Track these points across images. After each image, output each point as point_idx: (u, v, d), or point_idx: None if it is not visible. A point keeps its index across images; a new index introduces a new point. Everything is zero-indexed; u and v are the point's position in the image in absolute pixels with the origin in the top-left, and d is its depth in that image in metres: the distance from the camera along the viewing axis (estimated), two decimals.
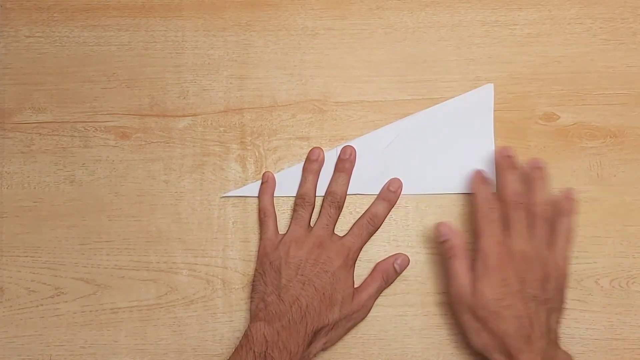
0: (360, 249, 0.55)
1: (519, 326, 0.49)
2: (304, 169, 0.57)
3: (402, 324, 0.56)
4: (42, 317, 0.56)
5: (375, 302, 0.55)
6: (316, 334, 0.51)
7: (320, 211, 0.56)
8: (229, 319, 0.56)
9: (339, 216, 0.56)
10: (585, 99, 0.58)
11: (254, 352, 0.47)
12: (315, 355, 0.52)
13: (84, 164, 0.58)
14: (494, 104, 0.58)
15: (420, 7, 0.60)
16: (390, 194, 0.56)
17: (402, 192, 0.57)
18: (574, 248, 0.56)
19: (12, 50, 0.60)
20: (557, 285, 0.51)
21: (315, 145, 0.58)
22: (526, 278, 0.50)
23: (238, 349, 0.49)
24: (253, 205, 0.57)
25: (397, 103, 0.58)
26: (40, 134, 0.58)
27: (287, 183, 0.57)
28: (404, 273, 0.56)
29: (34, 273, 0.56)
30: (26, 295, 0.56)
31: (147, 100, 0.59)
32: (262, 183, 0.57)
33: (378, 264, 0.55)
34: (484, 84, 0.58)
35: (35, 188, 0.58)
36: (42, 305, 0.56)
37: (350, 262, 0.54)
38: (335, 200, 0.55)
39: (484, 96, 0.58)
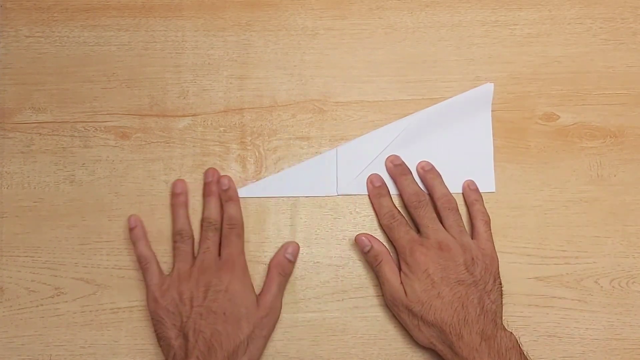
0: (242, 254, 0.55)
1: (452, 312, 0.50)
2: (172, 205, 0.56)
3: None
4: (42, 317, 0.56)
5: (375, 302, 0.55)
6: (232, 356, 0.49)
7: (200, 238, 0.55)
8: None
9: (218, 237, 0.55)
10: (585, 99, 0.58)
11: None
12: None
13: (84, 164, 0.58)
14: (494, 103, 0.58)
15: (420, 7, 0.60)
16: (227, 192, 0.56)
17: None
18: (574, 248, 0.56)
19: (12, 50, 0.60)
20: (484, 266, 0.52)
21: (314, 145, 0.58)
22: (447, 265, 0.52)
23: None
24: (253, 205, 0.57)
25: (397, 103, 0.58)
26: (40, 134, 0.58)
27: (285, 183, 0.57)
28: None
29: (34, 273, 0.56)
30: (26, 295, 0.56)
31: (147, 100, 0.59)
32: (131, 230, 0.55)
33: (270, 261, 0.55)
34: (484, 84, 0.58)
35: (35, 188, 0.58)
36: (42, 305, 0.56)
37: (239, 272, 0.53)
38: (211, 224, 0.55)
39: (484, 95, 0.58)
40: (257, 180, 0.58)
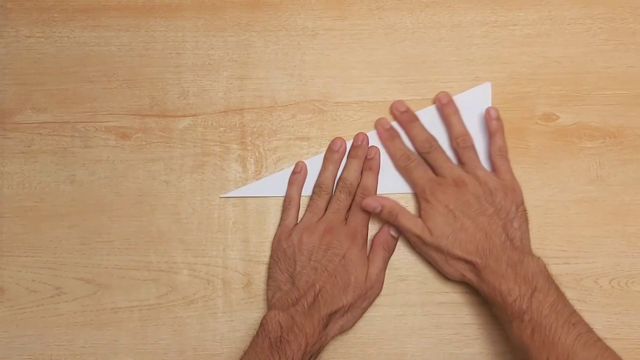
0: (366, 225, 0.56)
1: (477, 242, 0.51)
2: (325, 159, 0.58)
3: (402, 324, 0.56)
4: (42, 317, 0.56)
5: (375, 302, 0.55)
6: (331, 316, 0.51)
7: (332, 197, 0.56)
8: (229, 319, 0.56)
9: (351, 202, 0.56)
10: (584, 99, 0.58)
11: (270, 338, 0.48)
12: (332, 337, 0.53)
13: (84, 164, 0.58)
14: (494, 103, 0.58)
15: (420, 7, 0.60)
16: (370, 162, 0.57)
17: (403, 189, 0.57)
18: (574, 248, 0.56)
19: (12, 50, 0.60)
20: (504, 196, 0.53)
21: (314, 145, 0.58)
22: (467, 199, 0.53)
23: (255, 338, 0.50)
24: (253, 205, 0.57)
25: None
26: (40, 134, 0.58)
27: (285, 183, 0.57)
28: (403, 273, 0.56)
29: (34, 273, 0.56)
30: (26, 295, 0.56)
31: (148, 101, 0.59)
32: (293, 172, 0.57)
33: (375, 237, 0.56)
34: (482, 83, 0.59)
35: (35, 188, 0.58)
36: (42, 305, 0.56)
37: (360, 241, 0.54)
38: (346, 186, 0.56)
39: (483, 94, 0.58)
40: (257, 180, 0.58)
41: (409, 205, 0.57)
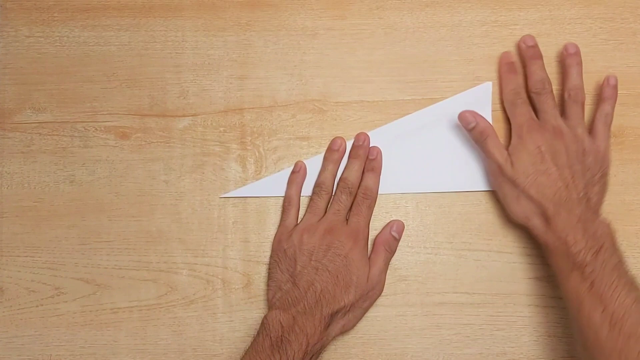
0: (367, 226, 0.55)
1: (555, 190, 0.51)
2: (325, 158, 0.58)
3: (402, 324, 0.56)
4: (42, 317, 0.56)
5: (376, 302, 0.55)
6: (333, 316, 0.51)
7: (332, 197, 0.56)
8: (229, 319, 0.56)
9: (352, 202, 0.56)
10: (585, 99, 0.58)
11: (271, 337, 0.49)
12: (334, 338, 0.53)
13: (84, 164, 0.58)
14: (494, 103, 0.58)
15: (420, 7, 0.60)
16: (372, 163, 0.57)
17: (403, 189, 0.58)
18: None
19: (12, 50, 0.59)
20: (594, 160, 0.53)
21: (314, 145, 0.58)
22: (560, 149, 0.52)
23: (255, 337, 0.50)
24: (253, 205, 0.57)
25: (397, 103, 0.58)
26: (40, 134, 0.58)
27: (285, 183, 0.57)
28: (404, 273, 0.56)
29: (34, 273, 0.56)
30: (26, 295, 0.56)
31: (147, 100, 0.59)
32: (292, 172, 0.57)
33: (377, 237, 0.56)
34: (483, 83, 0.58)
35: (35, 188, 0.58)
36: (42, 305, 0.56)
37: (362, 242, 0.54)
38: (347, 187, 0.56)
39: (483, 94, 0.58)
40: (257, 180, 0.58)
41: (409, 205, 0.57)
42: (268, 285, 0.55)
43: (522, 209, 0.53)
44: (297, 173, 0.57)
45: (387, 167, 0.57)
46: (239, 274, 0.56)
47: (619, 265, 0.48)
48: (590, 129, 0.55)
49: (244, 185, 0.58)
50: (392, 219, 0.57)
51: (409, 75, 0.59)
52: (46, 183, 0.58)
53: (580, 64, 0.56)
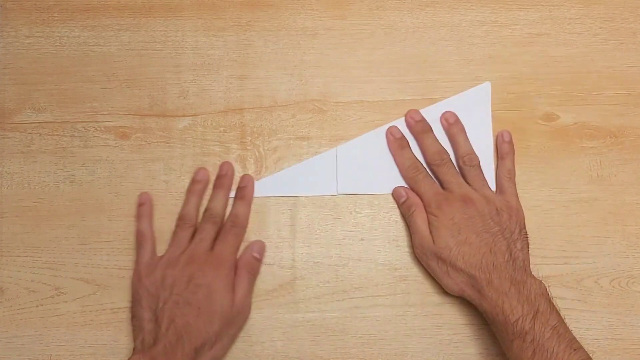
0: (234, 253, 0.54)
1: (481, 257, 0.51)
2: (188, 190, 0.57)
3: (402, 324, 0.56)
4: (42, 317, 0.56)
5: (375, 302, 0.55)
6: (198, 351, 0.49)
7: (197, 229, 0.55)
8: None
9: (216, 231, 0.55)
10: (585, 99, 0.58)
11: None
12: None
13: (84, 164, 0.58)
14: (494, 103, 0.58)
15: (420, 7, 0.60)
16: (242, 191, 0.56)
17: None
18: (574, 248, 0.56)
19: (12, 50, 0.59)
20: (508, 217, 0.53)
21: (314, 145, 0.58)
22: (472, 215, 0.53)
23: None
24: (253, 205, 0.57)
25: (397, 103, 0.58)
26: (40, 134, 0.58)
27: (285, 183, 0.57)
28: (404, 273, 0.56)
29: (34, 273, 0.56)
30: (26, 295, 0.56)
31: (147, 100, 0.59)
32: (139, 205, 0.56)
33: (238, 260, 0.55)
34: (482, 83, 0.58)
35: (35, 188, 0.58)
36: (42, 305, 0.56)
37: (225, 270, 0.53)
38: (211, 216, 0.55)
39: (482, 94, 0.58)
40: (257, 180, 0.58)
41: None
42: (132, 324, 0.53)
43: (454, 282, 0.52)
44: (144, 206, 0.56)
45: (387, 167, 0.57)
46: None
47: (558, 326, 0.48)
48: (497, 187, 0.56)
49: None
50: (392, 219, 0.57)
51: (409, 75, 0.59)
52: (46, 183, 0.58)
53: (463, 130, 0.57)
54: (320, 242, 0.57)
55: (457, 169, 0.56)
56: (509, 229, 0.53)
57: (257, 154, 0.58)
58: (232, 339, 0.53)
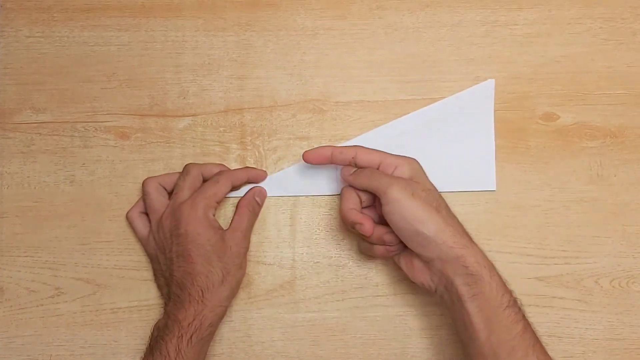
0: (210, 198, 0.53)
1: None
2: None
3: (402, 324, 0.56)
4: (42, 317, 0.56)
5: (375, 302, 0.55)
6: (210, 289, 0.50)
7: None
8: (229, 319, 0.56)
9: (193, 184, 0.54)
10: (585, 99, 0.58)
11: (150, 345, 0.50)
12: (226, 305, 0.52)
13: (84, 164, 0.58)
14: (496, 102, 0.58)
15: (420, 7, 0.60)
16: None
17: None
18: (574, 248, 0.56)
19: (12, 50, 0.59)
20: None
21: (314, 145, 0.58)
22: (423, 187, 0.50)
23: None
24: None
25: (397, 103, 0.58)
26: (40, 134, 0.58)
27: (285, 183, 0.57)
28: (403, 273, 0.56)
29: (34, 273, 0.56)
30: (26, 295, 0.56)
31: (147, 100, 0.59)
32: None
33: (240, 201, 0.56)
34: (485, 80, 0.58)
35: (35, 188, 0.58)
36: (42, 305, 0.56)
37: (200, 210, 0.52)
38: (189, 172, 0.55)
39: (485, 92, 0.58)
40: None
41: None
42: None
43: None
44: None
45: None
46: None
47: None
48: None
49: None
50: None
51: (409, 75, 0.59)
52: (46, 183, 0.58)
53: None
54: (320, 242, 0.57)
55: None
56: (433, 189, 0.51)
57: (257, 154, 0.58)
58: (242, 272, 0.54)
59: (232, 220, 0.55)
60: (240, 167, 0.58)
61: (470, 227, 0.53)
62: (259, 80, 0.59)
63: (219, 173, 0.55)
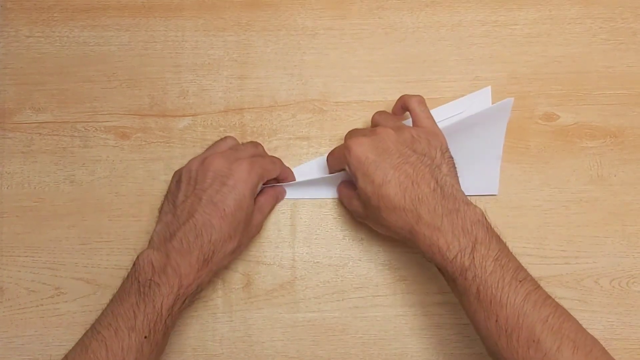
0: (263, 174, 0.51)
1: (404, 191, 0.46)
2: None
3: (402, 324, 0.56)
4: (42, 317, 0.56)
5: (375, 302, 0.55)
6: (216, 253, 0.47)
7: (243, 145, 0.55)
8: (229, 319, 0.56)
9: (254, 154, 0.53)
10: (585, 99, 0.58)
11: (139, 281, 0.45)
12: (213, 276, 0.50)
13: (84, 164, 0.58)
14: (493, 103, 0.58)
15: (420, 7, 0.60)
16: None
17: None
18: (574, 248, 0.56)
19: (12, 50, 0.60)
20: (427, 142, 0.49)
21: (314, 145, 0.58)
22: (386, 147, 0.48)
23: (124, 281, 0.46)
24: None
25: None
26: (40, 134, 0.58)
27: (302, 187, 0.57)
28: (403, 273, 0.56)
29: (34, 273, 0.56)
30: (26, 295, 0.56)
31: (147, 100, 0.59)
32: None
33: (268, 188, 0.55)
34: (484, 84, 0.58)
35: (35, 188, 0.58)
36: (42, 305, 0.56)
37: (255, 179, 0.50)
38: (255, 143, 0.55)
39: (483, 98, 0.58)
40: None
41: None
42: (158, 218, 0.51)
43: (386, 227, 0.48)
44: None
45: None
46: (239, 274, 0.56)
47: (500, 256, 0.43)
48: (412, 121, 0.52)
49: None
50: None
51: (409, 74, 0.59)
52: (46, 183, 0.58)
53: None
54: (320, 242, 0.57)
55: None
56: (430, 154, 0.48)
57: None
58: (240, 253, 0.53)
59: (256, 199, 0.52)
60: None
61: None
62: (259, 80, 0.59)
63: (276, 159, 0.55)
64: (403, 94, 0.53)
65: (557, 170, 0.57)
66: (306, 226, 0.57)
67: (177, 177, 0.51)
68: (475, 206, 0.46)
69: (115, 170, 0.58)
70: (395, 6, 0.60)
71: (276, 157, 0.56)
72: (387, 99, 0.59)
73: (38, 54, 0.59)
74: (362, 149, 0.48)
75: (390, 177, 0.47)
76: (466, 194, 0.49)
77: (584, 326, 0.55)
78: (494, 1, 0.60)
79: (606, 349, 0.54)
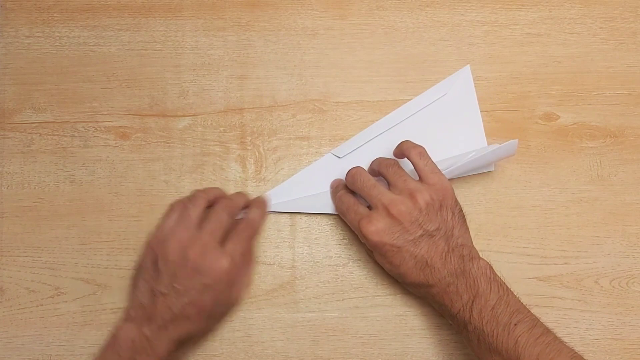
0: (244, 255, 0.52)
1: (419, 271, 0.50)
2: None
3: (402, 324, 0.56)
4: (42, 317, 0.56)
5: (375, 302, 0.55)
6: (187, 341, 0.50)
7: (210, 212, 0.52)
8: (229, 319, 0.56)
9: (228, 226, 0.52)
10: (585, 99, 0.58)
11: (120, 355, 0.47)
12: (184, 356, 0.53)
13: (84, 164, 0.58)
14: (494, 103, 0.58)
15: (420, 7, 0.60)
16: (258, 201, 0.56)
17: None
18: (574, 248, 0.56)
19: (12, 50, 0.59)
20: (439, 205, 0.50)
21: (314, 145, 0.58)
22: (402, 229, 0.49)
23: (104, 350, 0.48)
24: None
25: (397, 103, 0.58)
26: (40, 134, 0.58)
27: (284, 192, 0.57)
28: None
29: (34, 273, 0.56)
30: (26, 295, 0.56)
31: (147, 100, 0.59)
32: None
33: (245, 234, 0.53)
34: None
35: (35, 188, 0.58)
36: (42, 305, 0.56)
37: (233, 272, 0.50)
38: (229, 206, 0.53)
39: (463, 78, 0.58)
40: (256, 180, 0.58)
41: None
42: (130, 289, 0.53)
43: (417, 295, 0.54)
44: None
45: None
46: None
47: (497, 305, 0.47)
48: (419, 177, 0.52)
49: (242, 184, 0.57)
50: None
51: (409, 75, 0.59)
52: (46, 183, 0.58)
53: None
54: (320, 242, 0.57)
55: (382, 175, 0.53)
56: (443, 222, 0.50)
57: (257, 154, 0.58)
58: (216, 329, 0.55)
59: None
60: (242, 172, 0.57)
61: (470, 227, 0.53)
62: (259, 80, 0.59)
63: (237, 195, 0.55)
64: (404, 141, 0.53)
65: (557, 170, 0.57)
66: (306, 226, 0.57)
67: (152, 256, 0.50)
68: (481, 259, 0.49)
69: (115, 170, 0.58)
70: (395, 6, 0.60)
71: (237, 193, 0.56)
72: (387, 99, 0.59)
73: (38, 53, 0.59)
74: (378, 237, 0.50)
75: (408, 259, 0.50)
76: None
77: (584, 326, 0.55)
78: (494, 1, 0.60)
79: (606, 349, 0.55)
